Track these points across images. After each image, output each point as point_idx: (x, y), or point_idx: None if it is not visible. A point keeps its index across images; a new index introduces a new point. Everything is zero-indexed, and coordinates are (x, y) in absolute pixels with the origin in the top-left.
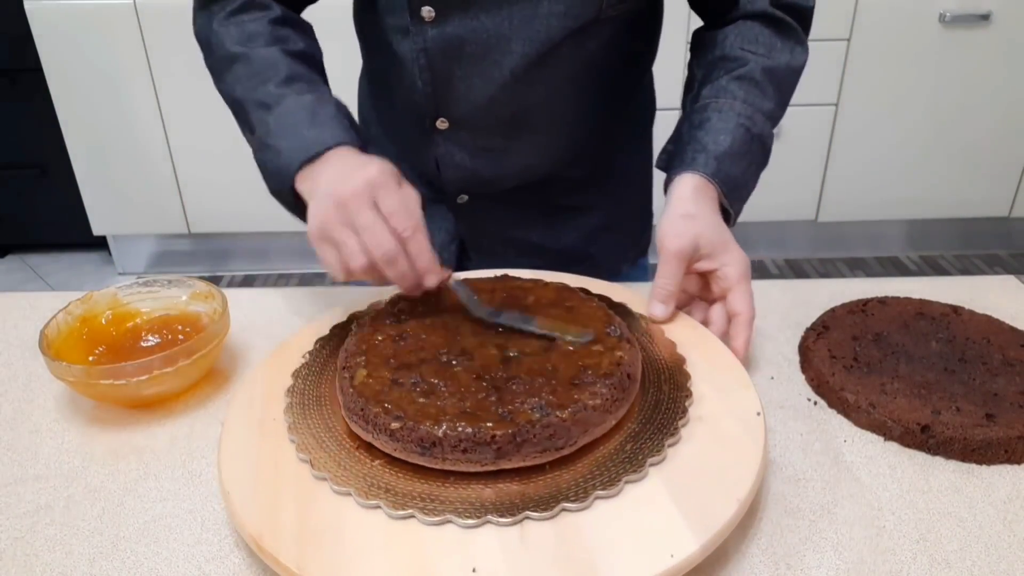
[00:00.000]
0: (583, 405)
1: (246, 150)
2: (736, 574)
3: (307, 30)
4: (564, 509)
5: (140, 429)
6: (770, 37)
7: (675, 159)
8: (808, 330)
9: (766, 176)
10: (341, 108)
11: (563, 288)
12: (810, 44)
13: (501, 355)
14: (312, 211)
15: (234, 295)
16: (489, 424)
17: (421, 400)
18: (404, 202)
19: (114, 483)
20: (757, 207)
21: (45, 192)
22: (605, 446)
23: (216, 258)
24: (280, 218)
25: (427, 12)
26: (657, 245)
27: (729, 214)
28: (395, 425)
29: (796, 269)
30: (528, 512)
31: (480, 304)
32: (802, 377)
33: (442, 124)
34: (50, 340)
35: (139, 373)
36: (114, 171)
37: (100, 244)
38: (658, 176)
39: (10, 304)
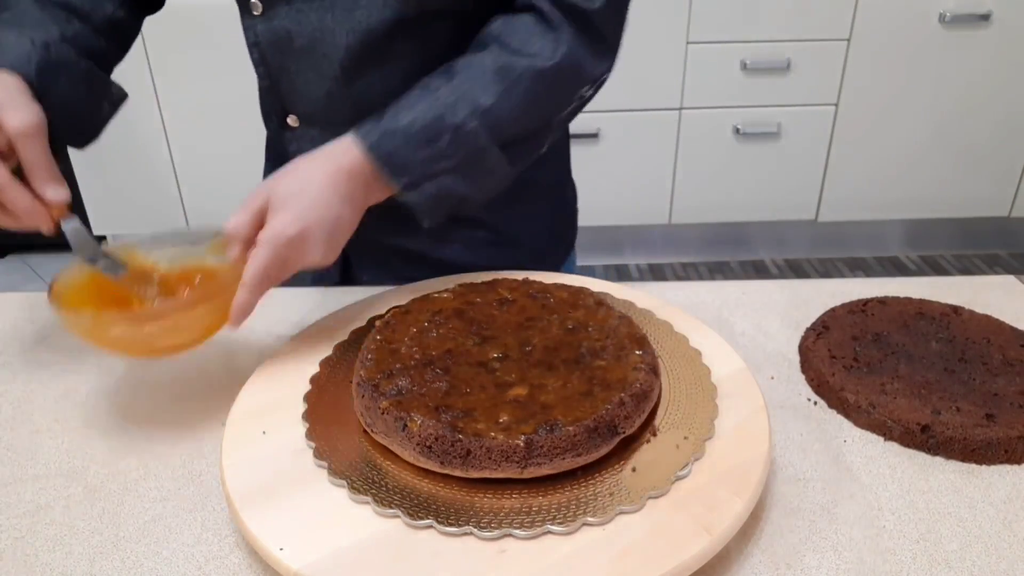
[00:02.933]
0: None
1: (246, 150)
2: (737, 574)
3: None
4: (509, 535)
5: (140, 429)
6: (527, 32)
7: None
8: (808, 330)
9: (766, 176)
10: (25, 37)
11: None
12: (810, 44)
13: (498, 360)
14: None
15: None
16: (385, 402)
17: (402, 351)
18: None
19: (114, 483)
20: (757, 207)
21: None
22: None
23: None
24: None
25: (255, 5)
26: None
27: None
28: (369, 355)
29: (796, 269)
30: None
31: (91, 248)
32: (802, 377)
33: (293, 121)
34: (59, 292)
35: (155, 319)
36: (114, 171)
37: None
38: (583, 193)
39: (10, 304)
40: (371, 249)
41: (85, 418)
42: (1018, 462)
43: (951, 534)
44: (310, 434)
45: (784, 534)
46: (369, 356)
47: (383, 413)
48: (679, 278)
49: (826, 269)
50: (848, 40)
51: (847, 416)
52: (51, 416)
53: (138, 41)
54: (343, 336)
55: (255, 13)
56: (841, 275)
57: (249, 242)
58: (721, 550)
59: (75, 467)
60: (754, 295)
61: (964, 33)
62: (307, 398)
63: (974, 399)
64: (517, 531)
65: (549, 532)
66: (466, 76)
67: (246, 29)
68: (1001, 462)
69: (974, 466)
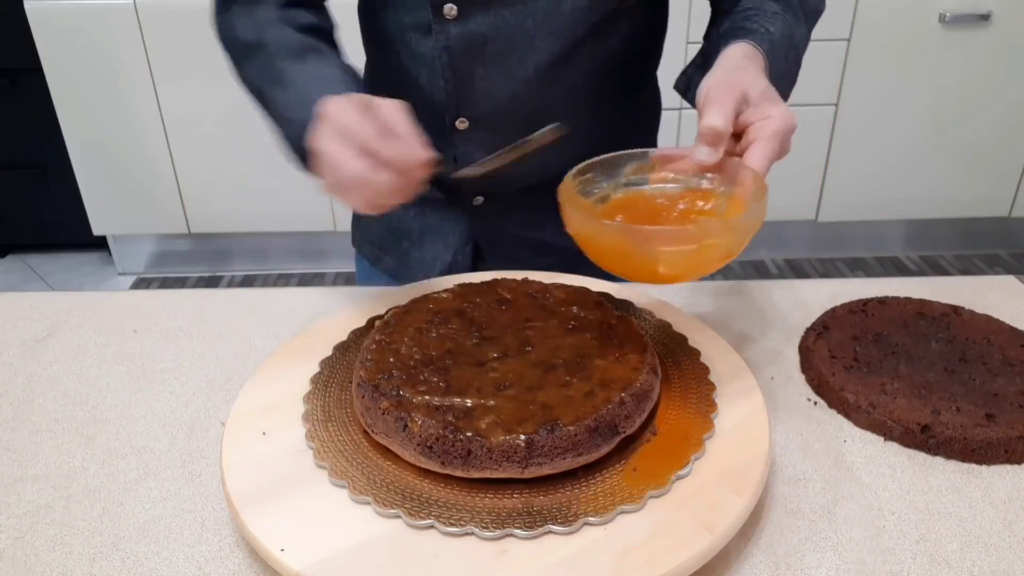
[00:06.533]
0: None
1: (246, 150)
2: (737, 574)
3: (316, 5)
4: (510, 534)
5: (140, 429)
6: None
7: (711, 57)
8: (808, 330)
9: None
10: (348, 70)
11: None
12: (810, 44)
13: (496, 359)
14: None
15: (234, 295)
16: (385, 402)
17: (402, 351)
18: (384, 122)
19: (114, 483)
20: None
21: (45, 192)
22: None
23: (216, 258)
24: (280, 218)
25: (449, 9)
26: (699, 102)
27: None
28: (369, 356)
29: (796, 269)
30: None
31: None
32: (802, 377)
33: (461, 124)
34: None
35: (667, 242)
36: (114, 171)
37: (100, 244)
38: None
39: (10, 304)
40: (503, 240)
41: (85, 418)
42: (1018, 462)
43: (951, 534)
44: (310, 435)
45: (784, 534)
46: (369, 357)
47: (383, 413)
48: None
49: (826, 269)
50: (848, 40)
51: (847, 416)
52: (51, 416)
53: (138, 41)
54: (343, 337)
55: (448, 17)
56: (841, 275)
57: (726, 139)
58: (721, 550)
59: (75, 467)
60: (754, 295)
61: (964, 33)
62: (307, 398)
63: (974, 399)
64: (518, 531)
65: (550, 532)
66: (783, 8)
67: (435, 33)
68: (1001, 462)
69: (974, 466)
